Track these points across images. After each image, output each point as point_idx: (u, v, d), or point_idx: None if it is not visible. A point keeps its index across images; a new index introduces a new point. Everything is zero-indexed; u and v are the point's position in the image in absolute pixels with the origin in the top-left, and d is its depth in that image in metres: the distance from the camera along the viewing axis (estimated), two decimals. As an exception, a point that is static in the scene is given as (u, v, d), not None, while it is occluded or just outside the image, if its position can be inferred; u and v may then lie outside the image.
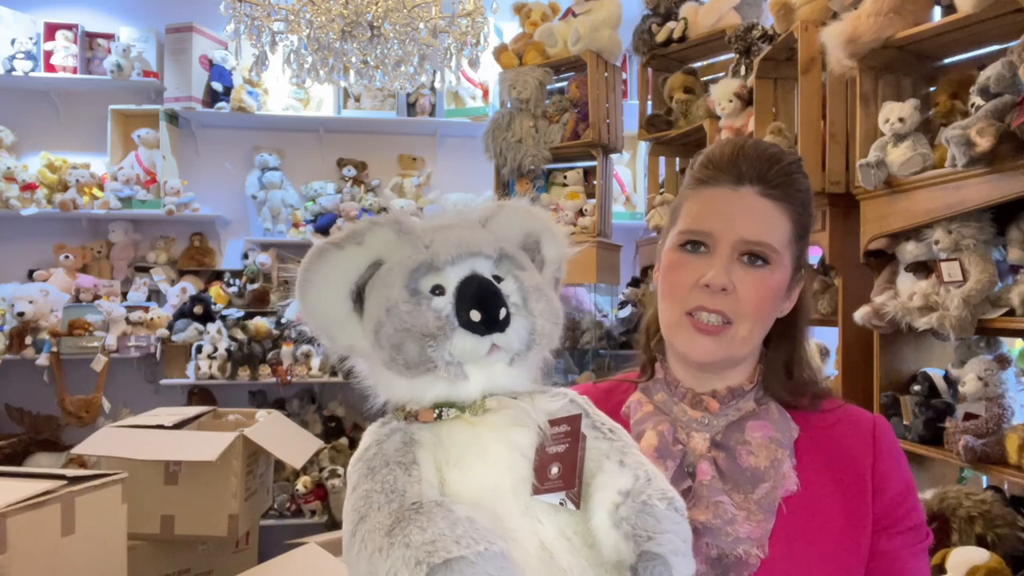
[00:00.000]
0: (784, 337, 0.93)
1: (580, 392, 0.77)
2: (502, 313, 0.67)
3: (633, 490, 0.65)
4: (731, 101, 2.50)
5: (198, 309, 3.67)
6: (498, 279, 0.70)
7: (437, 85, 3.15)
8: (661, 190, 3.19)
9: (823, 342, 2.39)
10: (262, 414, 2.56)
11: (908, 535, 0.87)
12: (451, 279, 0.68)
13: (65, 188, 3.77)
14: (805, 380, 0.93)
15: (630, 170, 4.18)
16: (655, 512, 0.64)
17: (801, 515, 0.83)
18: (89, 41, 3.88)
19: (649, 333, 0.99)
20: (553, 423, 0.69)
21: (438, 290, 0.68)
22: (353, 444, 3.62)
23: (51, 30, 3.80)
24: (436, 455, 0.67)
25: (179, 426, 2.35)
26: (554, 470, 0.66)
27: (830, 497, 0.85)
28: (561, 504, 0.66)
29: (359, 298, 0.70)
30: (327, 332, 0.71)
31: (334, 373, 3.70)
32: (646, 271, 3.51)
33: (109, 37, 3.88)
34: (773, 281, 0.87)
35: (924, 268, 1.83)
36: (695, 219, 0.89)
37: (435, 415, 0.68)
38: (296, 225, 3.96)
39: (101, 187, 3.81)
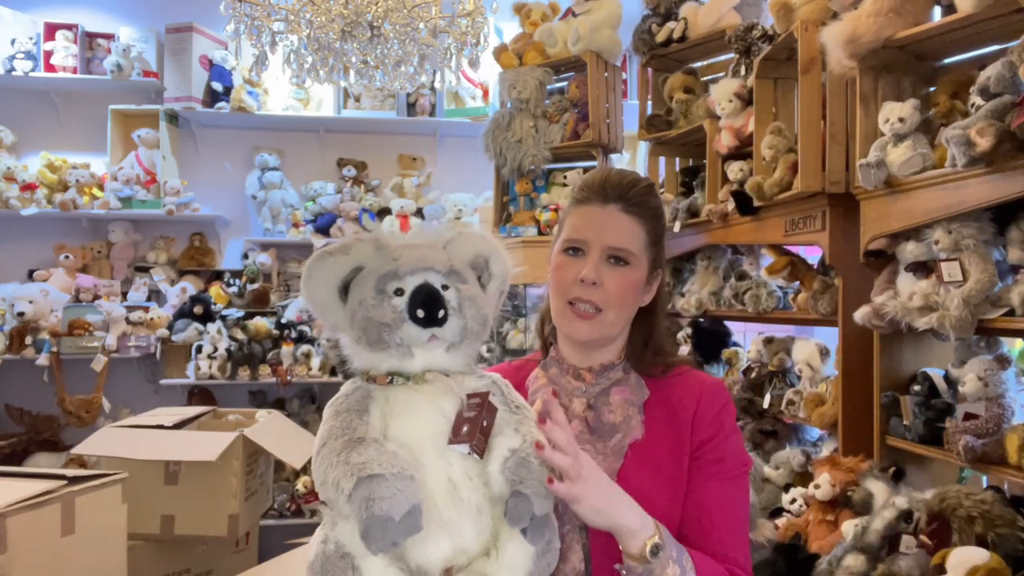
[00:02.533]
0: (644, 322, 1.19)
1: (498, 369, 1.07)
2: (441, 313, 0.92)
3: (519, 449, 0.91)
4: (731, 101, 2.49)
5: (198, 309, 3.67)
6: (445, 288, 0.95)
7: (437, 85, 3.14)
8: (661, 190, 3.19)
9: (823, 342, 2.39)
10: (262, 414, 2.56)
11: (716, 466, 1.10)
12: (409, 285, 0.93)
13: (65, 188, 3.78)
14: (659, 354, 1.19)
15: (630, 170, 4.18)
16: (529, 465, 0.89)
17: (643, 455, 1.09)
18: (89, 41, 3.88)
19: (544, 323, 1.24)
20: (470, 396, 0.94)
21: (399, 292, 0.93)
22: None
23: (51, 30, 3.80)
24: (383, 408, 0.93)
25: (179, 426, 2.35)
26: (464, 428, 0.91)
27: (666, 441, 1.11)
28: (469, 454, 0.90)
29: (345, 291, 0.96)
30: (320, 313, 0.98)
31: (334, 373, 3.70)
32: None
33: (109, 37, 3.88)
34: (632, 278, 1.13)
35: (924, 268, 1.83)
36: (574, 230, 1.14)
37: (388, 381, 0.95)
38: (296, 225, 3.96)
39: (101, 187, 3.81)
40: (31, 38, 3.80)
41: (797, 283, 2.42)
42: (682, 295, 2.89)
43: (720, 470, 1.10)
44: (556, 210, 3.35)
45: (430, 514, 0.85)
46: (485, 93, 4.08)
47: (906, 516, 1.66)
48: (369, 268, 0.95)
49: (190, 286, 3.84)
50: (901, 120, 1.78)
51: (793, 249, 2.45)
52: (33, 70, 3.75)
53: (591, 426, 1.13)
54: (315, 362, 3.73)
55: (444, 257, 0.98)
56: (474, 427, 0.90)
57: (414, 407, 0.92)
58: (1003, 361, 1.74)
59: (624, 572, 0.98)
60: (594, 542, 1.05)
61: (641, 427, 1.11)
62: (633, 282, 1.13)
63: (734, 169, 2.51)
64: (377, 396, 0.94)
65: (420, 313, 0.91)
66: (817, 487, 1.95)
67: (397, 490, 0.81)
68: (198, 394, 3.78)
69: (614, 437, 1.10)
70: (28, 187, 3.73)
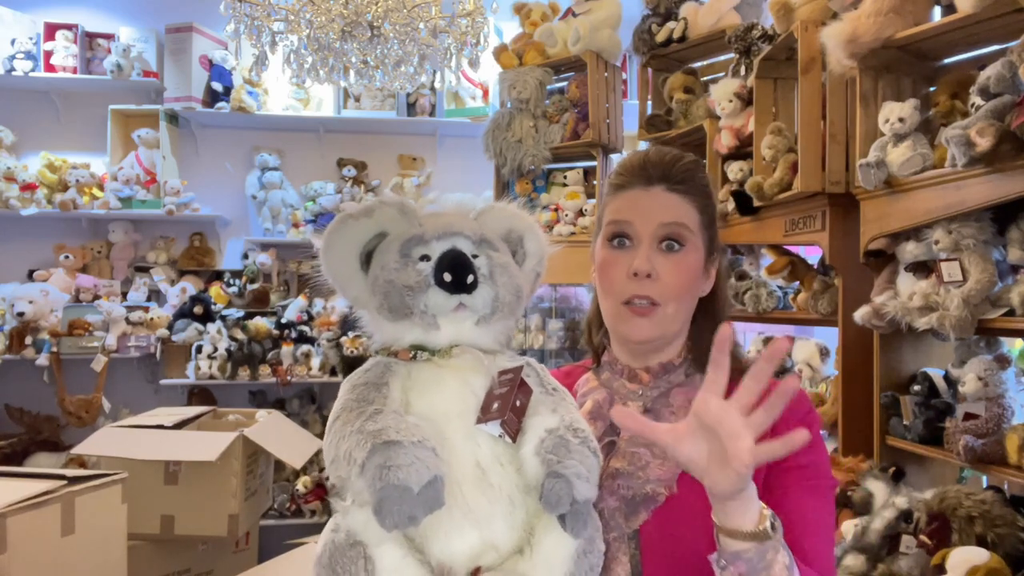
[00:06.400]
0: (707, 315, 1.06)
1: None
2: (469, 278, 0.85)
3: (556, 428, 0.82)
4: (731, 101, 2.49)
5: (198, 309, 3.67)
6: (475, 256, 0.88)
7: (437, 85, 3.14)
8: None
9: (823, 342, 2.39)
10: (262, 414, 2.56)
11: (797, 472, 0.94)
12: (435, 250, 0.87)
13: (65, 188, 3.77)
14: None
15: (630, 170, 4.18)
16: (568, 444, 0.80)
17: None
18: (89, 41, 3.88)
19: (591, 330, 1.14)
20: (501, 373, 0.86)
21: (425, 258, 0.87)
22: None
23: (51, 30, 3.80)
24: (404, 383, 0.86)
25: (179, 426, 2.35)
26: (495, 406, 0.83)
27: None
28: (500, 436, 0.82)
29: (367, 261, 0.90)
30: (340, 284, 0.91)
31: (334, 373, 3.70)
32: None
33: (109, 37, 3.88)
34: (689, 262, 1.00)
35: (924, 268, 1.83)
36: (617, 213, 1.02)
37: (411, 355, 0.87)
38: (296, 225, 3.96)
39: (101, 187, 3.81)
40: (31, 38, 3.79)
41: (797, 283, 2.42)
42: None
43: (811, 478, 0.95)
44: (556, 210, 3.36)
45: (455, 500, 0.77)
46: (485, 93, 4.08)
47: (906, 516, 1.66)
48: (393, 234, 0.90)
49: (190, 286, 3.84)
50: (901, 120, 1.78)
51: (793, 249, 2.45)
52: (33, 70, 3.75)
53: None
54: (315, 362, 3.73)
55: (475, 224, 0.91)
56: (505, 404, 0.82)
57: (439, 382, 0.85)
58: (1003, 361, 1.74)
59: (723, 563, 0.81)
60: (647, 552, 0.94)
61: None
62: (690, 268, 1.00)
63: (734, 169, 2.51)
64: (398, 370, 0.87)
65: (447, 277, 0.84)
66: (817, 487, 1.95)
67: (416, 458, 0.72)
68: (198, 394, 3.78)
69: None
70: (28, 187, 3.73)
